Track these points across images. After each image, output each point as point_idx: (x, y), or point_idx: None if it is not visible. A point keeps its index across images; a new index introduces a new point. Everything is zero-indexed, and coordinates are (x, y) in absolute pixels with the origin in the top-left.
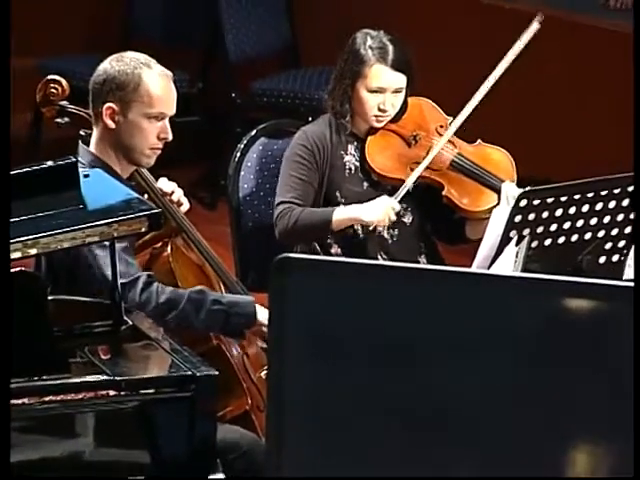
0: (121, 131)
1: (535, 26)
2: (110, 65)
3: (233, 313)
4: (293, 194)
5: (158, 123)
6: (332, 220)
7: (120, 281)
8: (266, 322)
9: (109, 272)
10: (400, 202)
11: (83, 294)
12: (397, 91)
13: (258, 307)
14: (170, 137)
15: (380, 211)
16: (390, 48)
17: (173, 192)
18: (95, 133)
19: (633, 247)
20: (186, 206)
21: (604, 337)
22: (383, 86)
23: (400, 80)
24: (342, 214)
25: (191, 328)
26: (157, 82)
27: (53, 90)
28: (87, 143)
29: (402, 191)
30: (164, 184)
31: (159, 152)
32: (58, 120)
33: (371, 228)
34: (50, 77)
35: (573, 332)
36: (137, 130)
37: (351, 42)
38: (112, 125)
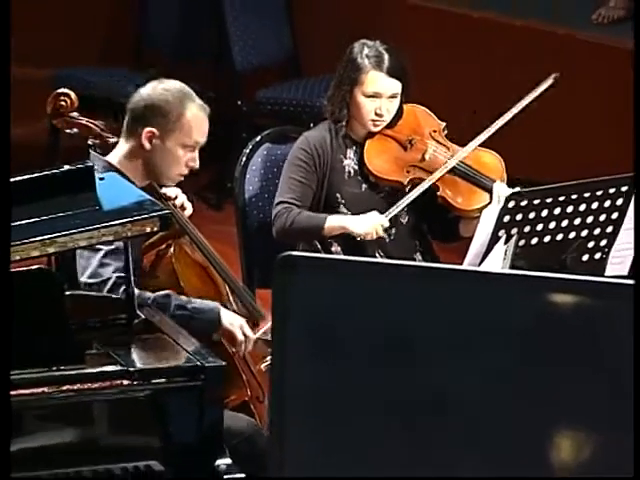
0: (156, 155)
1: (549, 82)
2: (153, 91)
3: (196, 319)
4: (292, 195)
5: (190, 152)
6: (324, 227)
7: (89, 281)
8: (230, 327)
9: (83, 277)
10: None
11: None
12: (392, 97)
13: (224, 312)
14: (197, 166)
15: (369, 226)
16: (385, 56)
17: (177, 197)
18: (123, 147)
19: (615, 245)
20: (189, 210)
21: (599, 334)
22: (379, 91)
23: (395, 86)
24: (334, 222)
25: None
26: (198, 115)
27: (62, 103)
28: (98, 152)
29: (394, 210)
30: (168, 189)
31: (182, 178)
32: (68, 131)
33: (358, 239)
34: (59, 90)
35: (570, 330)
36: (171, 157)
37: (349, 52)
38: (148, 147)
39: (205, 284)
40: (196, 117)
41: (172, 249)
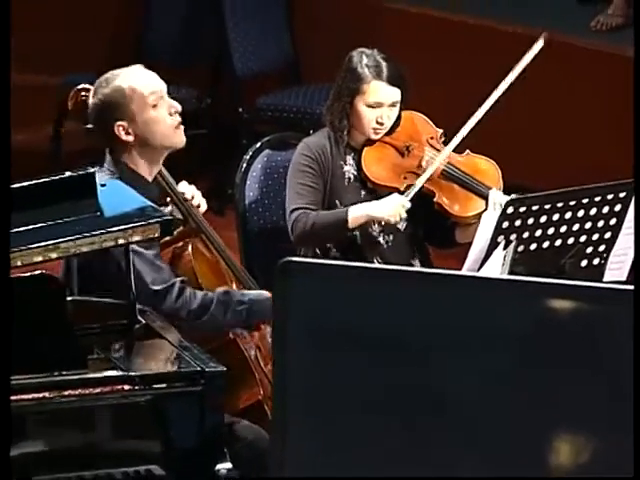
0: (142, 136)
1: (540, 44)
2: (94, 98)
3: (254, 310)
4: (305, 200)
5: (161, 104)
6: (348, 219)
7: (155, 287)
8: None
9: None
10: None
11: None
12: (393, 105)
13: None
14: (179, 106)
15: (392, 207)
16: (384, 65)
17: (193, 197)
18: (116, 154)
19: (613, 250)
20: (204, 207)
21: (598, 340)
22: (381, 101)
23: (396, 94)
24: (357, 212)
25: (217, 328)
26: (133, 77)
27: (83, 98)
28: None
29: (413, 190)
30: (184, 188)
31: (182, 126)
32: (89, 126)
33: (383, 223)
34: (80, 86)
35: (569, 335)
36: (152, 123)
37: (347, 61)
38: (131, 138)
39: (218, 279)
40: (134, 79)
41: (190, 248)
